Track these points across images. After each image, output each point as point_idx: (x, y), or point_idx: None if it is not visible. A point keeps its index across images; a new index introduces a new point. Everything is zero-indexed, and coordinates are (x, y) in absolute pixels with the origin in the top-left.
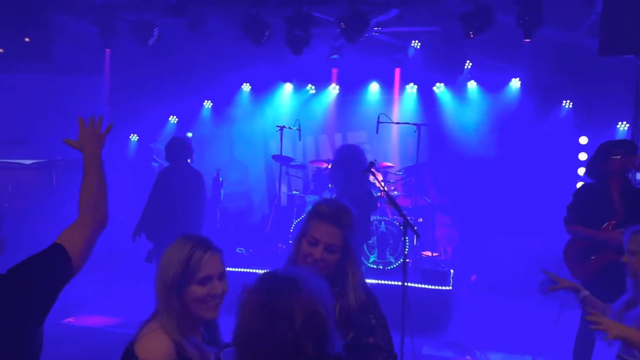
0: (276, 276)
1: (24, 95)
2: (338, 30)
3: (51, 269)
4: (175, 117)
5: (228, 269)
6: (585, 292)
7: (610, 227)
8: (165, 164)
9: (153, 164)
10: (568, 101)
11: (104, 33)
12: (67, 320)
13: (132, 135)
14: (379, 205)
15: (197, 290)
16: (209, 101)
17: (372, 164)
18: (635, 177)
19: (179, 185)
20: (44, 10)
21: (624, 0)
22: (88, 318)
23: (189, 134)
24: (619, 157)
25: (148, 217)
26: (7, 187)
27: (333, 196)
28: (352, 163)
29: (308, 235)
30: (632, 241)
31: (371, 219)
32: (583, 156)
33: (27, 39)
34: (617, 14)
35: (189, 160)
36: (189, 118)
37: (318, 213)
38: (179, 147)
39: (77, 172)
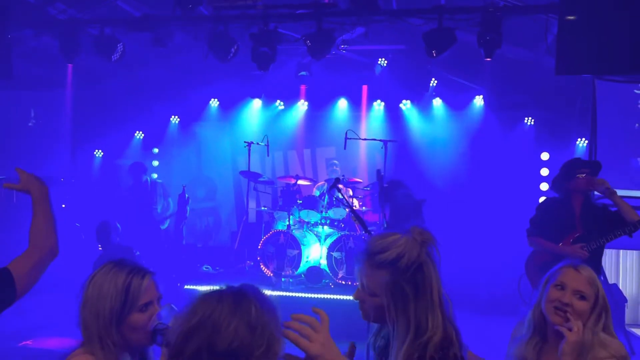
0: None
1: None
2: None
3: None
4: (141, 132)
5: (194, 287)
6: None
7: (570, 241)
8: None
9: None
10: (530, 118)
11: (65, 48)
12: (24, 343)
13: (97, 151)
14: None
15: (138, 318)
16: (176, 117)
17: (338, 180)
18: (594, 195)
19: None
20: (2, 24)
21: (579, 22)
22: (47, 340)
23: (155, 150)
24: (584, 175)
25: None
26: None
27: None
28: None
29: (556, 280)
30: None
31: None
32: (545, 172)
33: None
34: (572, 35)
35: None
36: (155, 134)
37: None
38: (103, 230)
39: None
